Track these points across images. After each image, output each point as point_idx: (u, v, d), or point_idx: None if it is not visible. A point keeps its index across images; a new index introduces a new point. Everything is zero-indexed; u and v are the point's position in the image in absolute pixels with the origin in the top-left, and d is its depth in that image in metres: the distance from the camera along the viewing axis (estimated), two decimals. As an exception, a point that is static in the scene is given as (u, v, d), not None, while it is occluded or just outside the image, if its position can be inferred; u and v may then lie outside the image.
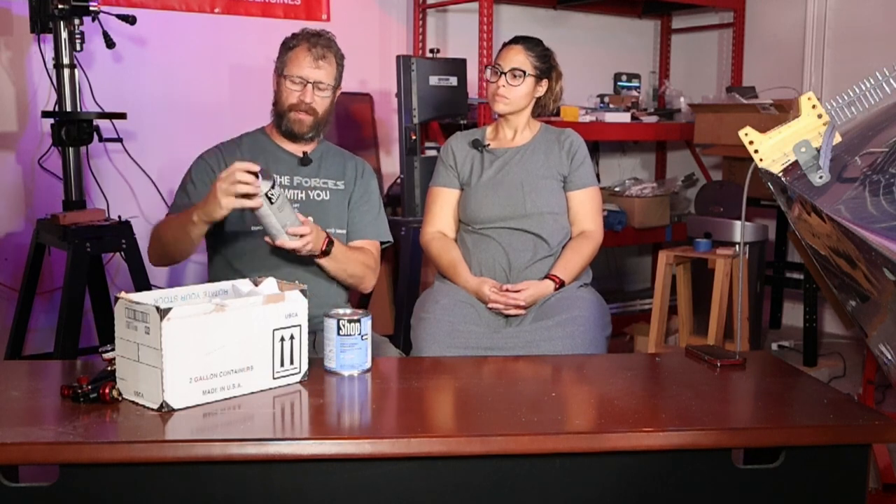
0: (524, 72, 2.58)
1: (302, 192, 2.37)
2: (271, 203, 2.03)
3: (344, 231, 2.41)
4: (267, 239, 2.13)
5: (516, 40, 2.64)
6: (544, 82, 2.64)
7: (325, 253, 2.23)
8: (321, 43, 2.34)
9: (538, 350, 2.33)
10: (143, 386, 1.63)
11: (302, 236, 2.11)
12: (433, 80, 3.69)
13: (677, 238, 4.53)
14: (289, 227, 2.09)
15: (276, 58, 2.39)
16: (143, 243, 3.25)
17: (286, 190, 2.36)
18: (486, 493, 1.59)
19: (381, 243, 2.47)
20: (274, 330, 1.76)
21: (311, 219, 2.20)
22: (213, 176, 2.32)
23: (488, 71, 2.66)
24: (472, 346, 2.36)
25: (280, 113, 2.37)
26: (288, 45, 2.37)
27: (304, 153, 2.41)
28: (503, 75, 2.59)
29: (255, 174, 1.98)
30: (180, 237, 2.16)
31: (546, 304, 2.47)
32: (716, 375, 1.97)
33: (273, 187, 2.01)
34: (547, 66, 2.64)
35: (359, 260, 2.35)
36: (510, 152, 2.65)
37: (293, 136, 2.38)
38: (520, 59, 2.60)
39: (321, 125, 2.39)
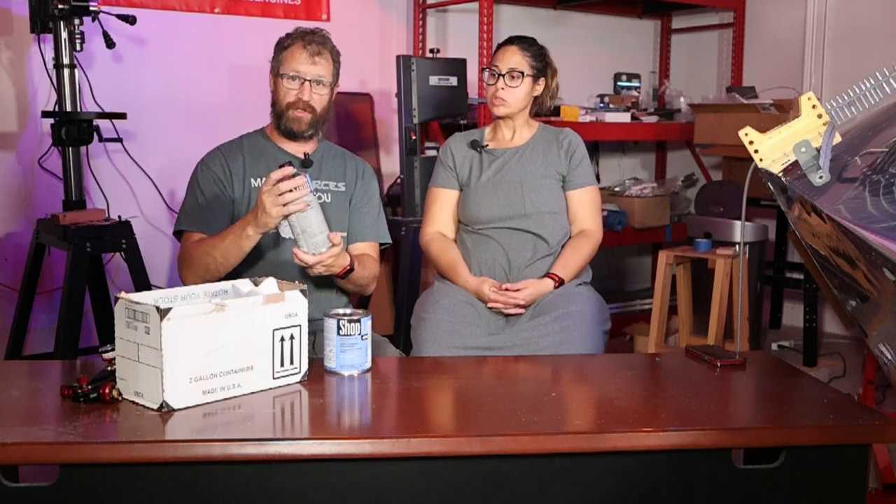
0: (522, 73, 2.58)
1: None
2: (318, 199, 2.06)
3: (345, 234, 2.40)
4: (296, 251, 2.08)
5: (511, 41, 2.63)
6: (541, 80, 2.64)
7: (341, 277, 2.21)
8: (316, 40, 2.32)
9: (536, 346, 2.33)
10: (143, 386, 1.63)
11: (334, 245, 2.08)
12: (433, 80, 3.69)
13: (677, 238, 4.53)
14: (326, 234, 2.05)
15: (271, 58, 2.37)
16: (144, 243, 3.27)
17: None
18: (486, 493, 1.59)
19: (381, 245, 2.47)
20: (274, 330, 1.76)
21: (345, 234, 2.19)
22: (218, 181, 2.32)
23: (486, 74, 2.65)
24: (472, 346, 2.36)
25: (279, 113, 2.34)
26: (283, 45, 2.34)
27: (306, 154, 2.39)
28: (501, 77, 2.59)
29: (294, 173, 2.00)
30: (232, 251, 2.13)
31: (544, 301, 2.47)
32: (716, 375, 1.97)
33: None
34: (543, 65, 2.63)
35: (365, 276, 2.33)
36: (509, 152, 2.65)
37: (292, 135, 2.35)
38: (516, 59, 2.59)
39: (320, 123, 2.37)
